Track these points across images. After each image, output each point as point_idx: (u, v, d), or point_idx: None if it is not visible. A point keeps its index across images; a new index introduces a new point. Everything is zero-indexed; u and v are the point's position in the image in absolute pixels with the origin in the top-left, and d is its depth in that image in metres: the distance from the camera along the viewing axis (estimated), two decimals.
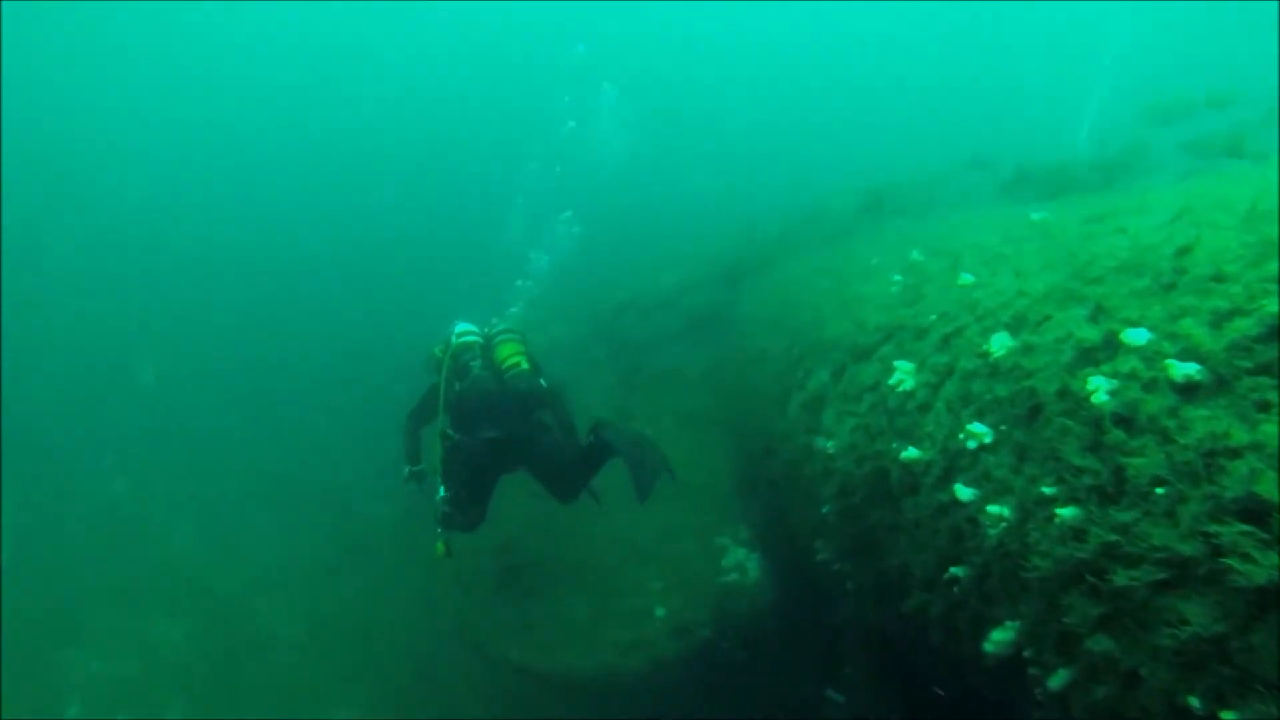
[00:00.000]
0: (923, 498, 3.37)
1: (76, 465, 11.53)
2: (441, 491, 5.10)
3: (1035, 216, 4.38)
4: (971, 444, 2.97)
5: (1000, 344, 3.05)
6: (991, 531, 2.64)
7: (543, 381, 5.54)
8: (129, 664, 7.74)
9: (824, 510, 4.78)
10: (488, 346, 5.69)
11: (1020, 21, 28.25)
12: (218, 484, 10.86)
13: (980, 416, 3.02)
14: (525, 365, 5.50)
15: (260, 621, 7.83)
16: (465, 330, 5.81)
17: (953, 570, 3.01)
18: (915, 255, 5.09)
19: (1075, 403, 2.50)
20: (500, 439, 5.15)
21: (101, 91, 26.21)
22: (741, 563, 6.32)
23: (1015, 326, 3.08)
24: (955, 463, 3.12)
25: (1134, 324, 2.53)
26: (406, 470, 5.62)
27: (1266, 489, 1.86)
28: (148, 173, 23.79)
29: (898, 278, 5.07)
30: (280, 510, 9.92)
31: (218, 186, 23.80)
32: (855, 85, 28.15)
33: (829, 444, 4.74)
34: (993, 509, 2.66)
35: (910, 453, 3.46)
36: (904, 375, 3.82)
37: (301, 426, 12.12)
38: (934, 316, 3.97)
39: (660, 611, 5.79)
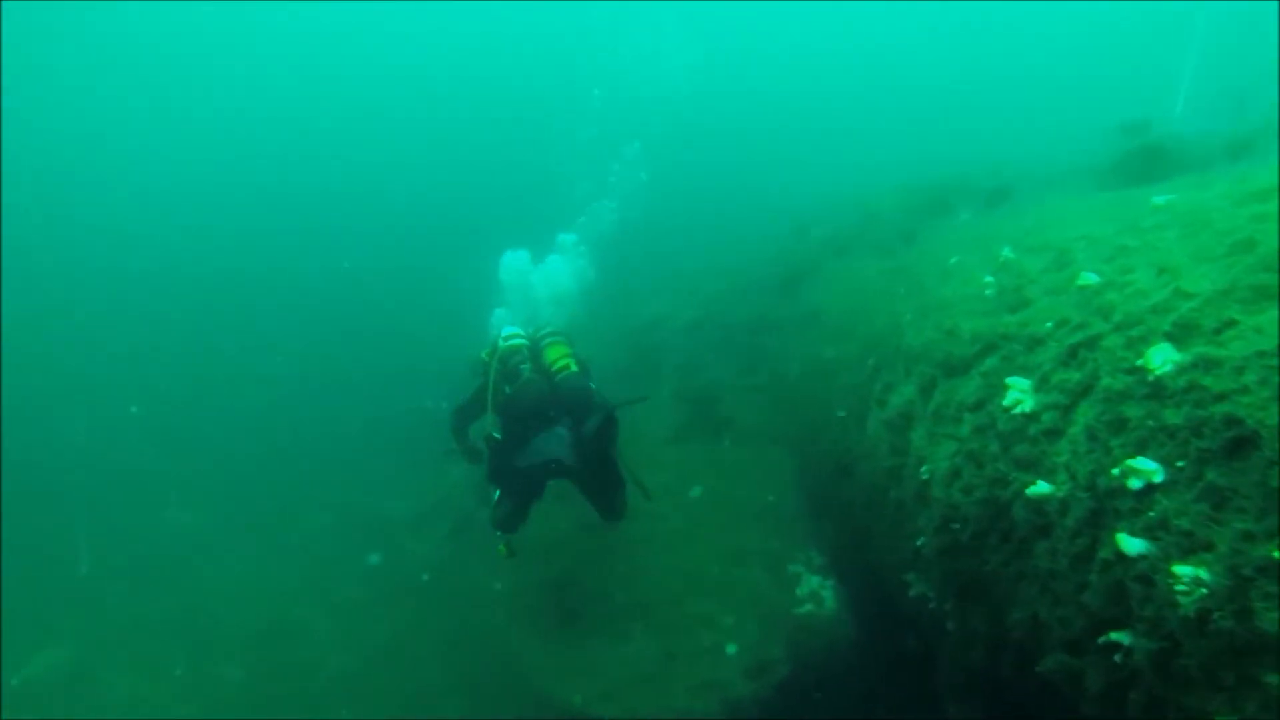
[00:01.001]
0: (1060, 543, 2.78)
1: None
2: (497, 494, 5.10)
3: (1159, 200, 3.73)
4: (1134, 483, 2.38)
5: (1163, 358, 2.45)
6: (1185, 600, 2.04)
7: (592, 384, 5.41)
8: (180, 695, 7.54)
9: (919, 543, 4.20)
10: (535, 349, 5.58)
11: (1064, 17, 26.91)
12: (262, 511, 10.65)
13: (1142, 449, 2.42)
14: (575, 367, 5.40)
15: (311, 652, 7.48)
16: (512, 334, 5.70)
17: (1114, 636, 2.42)
18: (1006, 253, 4.47)
19: None
20: (549, 460, 5.03)
21: (123, 91, 25.82)
22: (816, 592, 5.74)
23: (1181, 336, 2.48)
24: (1108, 504, 2.52)
25: None
26: (463, 446, 5.83)
27: None
28: (172, 178, 23.66)
29: (989, 279, 4.46)
30: (326, 539, 9.59)
31: (240, 193, 23.41)
32: (898, 84, 27.17)
33: (923, 469, 4.17)
34: (1183, 569, 2.07)
35: (1039, 488, 2.88)
36: (1020, 394, 3.23)
37: (342, 449, 11.82)
38: (1050, 324, 3.37)
39: (732, 648, 5.24)
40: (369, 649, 7.39)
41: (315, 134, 26.61)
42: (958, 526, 3.60)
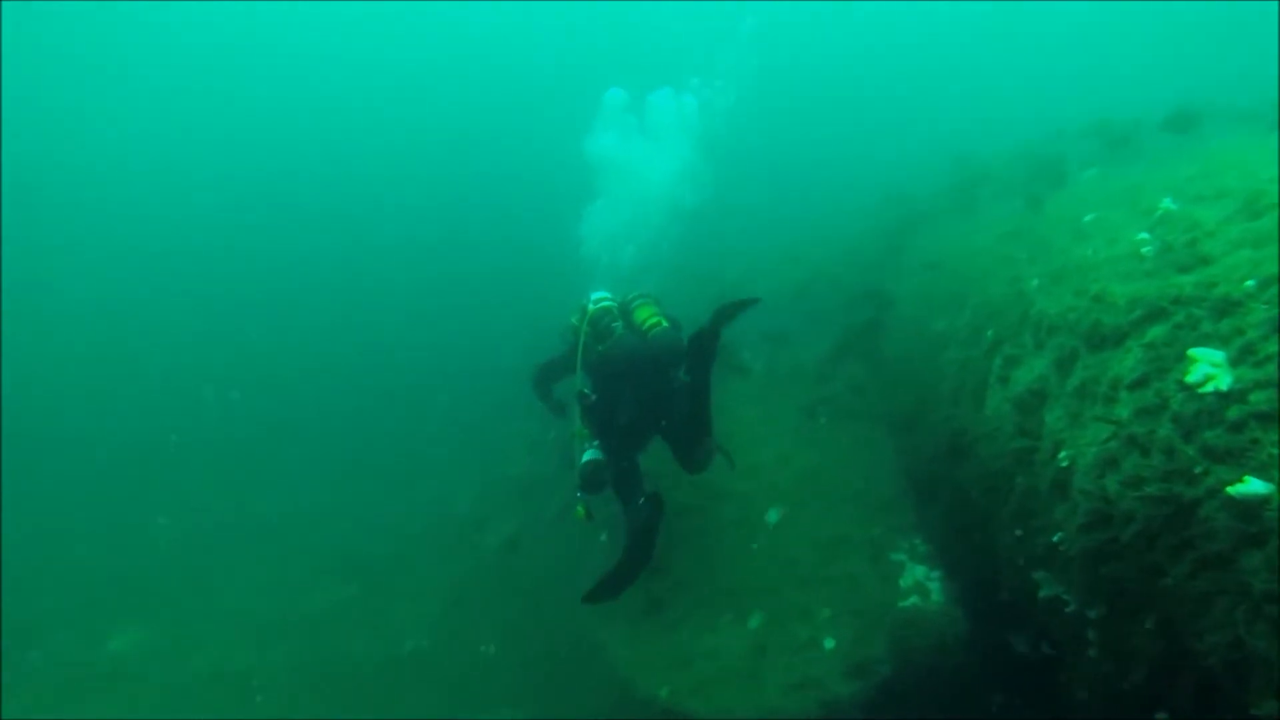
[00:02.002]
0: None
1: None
2: (586, 455, 5.02)
3: None
4: None
5: None
6: None
7: (685, 340, 5.27)
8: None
9: (1055, 538, 3.58)
10: (625, 310, 5.57)
11: None
12: (338, 497, 10.70)
13: None
14: (666, 324, 5.37)
15: (390, 634, 7.38)
16: (601, 297, 5.70)
17: None
18: (1167, 204, 3.72)
19: None
20: (639, 418, 5.07)
21: (149, 90, 25.98)
22: (921, 583, 5.14)
23: None
24: None
25: None
26: (549, 403, 5.97)
27: None
28: (200, 180, 23.91)
29: (1144, 235, 3.74)
30: (401, 525, 9.45)
31: (268, 192, 23.57)
32: (973, 52, 25.12)
33: (1061, 455, 3.53)
34: None
35: (1249, 487, 2.24)
36: (1211, 370, 2.57)
37: (398, 442, 11.74)
38: (1251, 283, 2.67)
39: (830, 643, 4.72)
40: (445, 633, 7.17)
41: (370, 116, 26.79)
42: (1116, 526, 2.97)
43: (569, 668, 5.44)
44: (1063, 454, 3.54)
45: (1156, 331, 3.07)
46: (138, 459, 12.11)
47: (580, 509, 4.90)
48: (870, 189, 12.05)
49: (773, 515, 5.43)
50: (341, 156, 25.03)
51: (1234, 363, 2.52)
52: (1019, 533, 4.09)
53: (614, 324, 5.43)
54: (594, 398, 5.13)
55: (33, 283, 18.14)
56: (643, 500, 5.06)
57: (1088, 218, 4.63)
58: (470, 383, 12.12)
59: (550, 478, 7.94)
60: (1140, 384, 3.03)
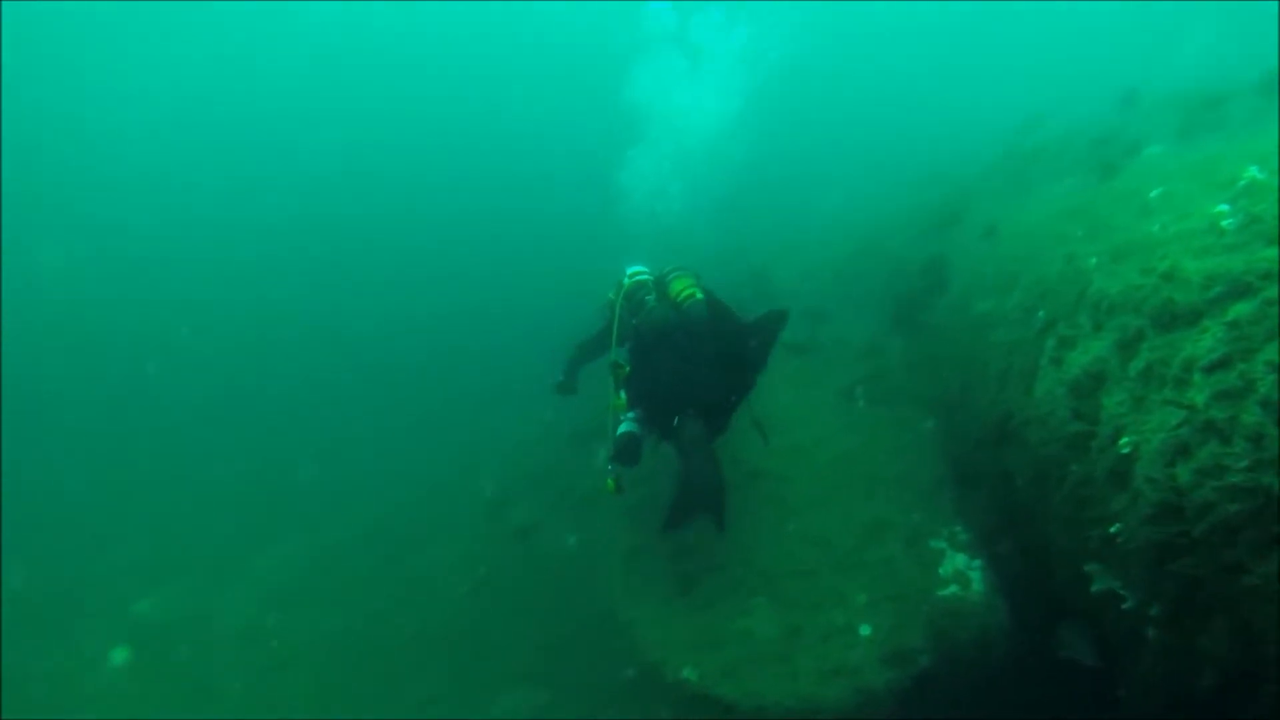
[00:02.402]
0: None
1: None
2: (622, 427, 4.96)
3: None
4: None
5: None
6: None
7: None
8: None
9: (1112, 530, 3.33)
10: (661, 283, 5.53)
11: None
12: (379, 468, 10.69)
13: None
14: (700, 295, 5.30)
15: (415, 609, 7.35)
16: (637, 271, 5.69)
17: None
18: (1252, 172, 3.40)
19: None
20: (672, 391, 4.94)
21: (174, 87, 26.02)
22: (962, 572, 4.90)
23: None
24: None
25: None
26: (559, 377, 5.79)
27: None
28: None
29: (1223, 207, 3.43)
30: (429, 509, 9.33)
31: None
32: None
33: (1123, 442, 3.27)
34: None
35: None
36: None
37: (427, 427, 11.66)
38: None
39: (866, 630, 4.52)
40: (469, 610, 7.06)
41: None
42: (1186, 520, 2.72)
43: (596, 648, 5.32)
44: (1124, 440, 3.29)
45: (1241, 309, 2.79)
46: (166, 425, 12.29)
47: (611, 481, 4.81)
48: (910, 167, 11.65)
49: (807, 496, 5.22)
50: (382, 128, 25.15)
51: None
52: (1069, 523, 3.85)
53: (647, 297, 5.41)
54: (628, 369, 5.08)
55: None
56: (677, 420, 4.92)
57: (1154, 192, 4.30)
58: (498, 363, 12.08)
59: (573, 460, 7.84)
60: (1220, 365, 2.76)
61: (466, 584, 7.34)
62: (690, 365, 5.06)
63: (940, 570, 4.88)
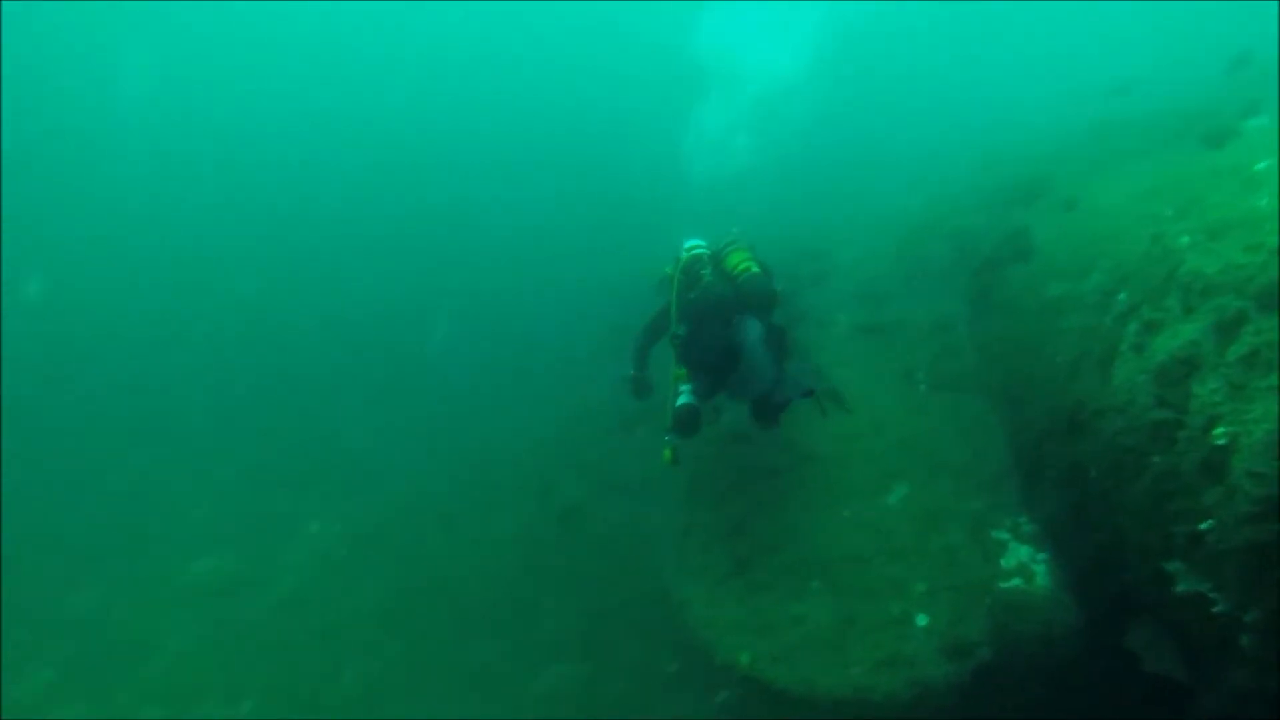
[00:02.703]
0: None
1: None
2: (681, 399, 4.91)
3: None
4: None
5: None
6: None
7: (776, 285, 5.30)
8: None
9: (1202, 526, 3.08)
10: (717, 257, 5.46)
11: None
12: (433, 433, 10.75)
13: None
14: (756, 269, 5.24)
15: (464, 581, 7.37)
16: (694, 245, 5.60)
17: None
18: None
19: None
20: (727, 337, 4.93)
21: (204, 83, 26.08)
22: (1026, 565, 4.66)
23: None
24: None
25: None
26: (631, 372, 5.67)
27: None
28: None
29: None
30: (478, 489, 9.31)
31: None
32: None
33: (1216, 432, 3.01)
34: None
35: None
36: None
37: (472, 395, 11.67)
38: None
39: (923, 620, 4.33)
40: (517, 584, 7.06)
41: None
42: None
43: (644, 626, 5.24)
44: (1219, 430, 3.04)
45: None
46: (224, 404, 12.54)
47: (668, 452, 4.80)
48: (971, 147, 11.16)
49: (865, 482, 5.03)
50: (437, 101, 25.33)
51: None
52: (1150, 518, 3.59)
53: (704, 271, 5.33)
54: (684, 335, 5.06)
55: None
56: (682, 416, 4.89)
57: (1260, 165, 3.96)
58: (549, 344, 12.05)
59: (622, 442, 7.76)
60: None
61: (513, 556, 7.31)
62: (739, 342, 4.96)
63: (1003, 562, 4.64)
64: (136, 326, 15.44)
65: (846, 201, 10.51)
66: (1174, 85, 7.60)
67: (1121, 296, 4.34)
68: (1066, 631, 4.29)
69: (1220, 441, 3.00)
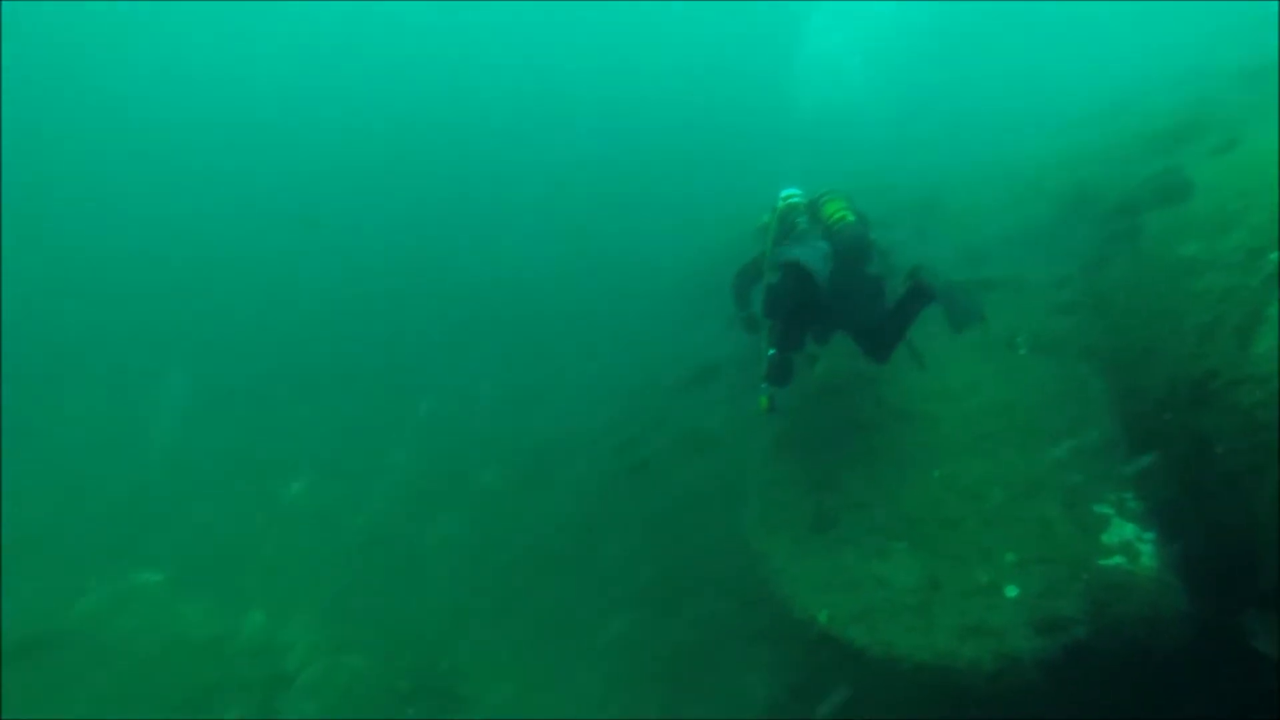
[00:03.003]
0: None
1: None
2: (773, 348, 4.91)
3: None
4: None
5: None
6: None
7: (872, 235, 5.17)
8: None
9: None
10: (814, 206, 5.37)
11: None
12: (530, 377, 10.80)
13: None
14: (852, 218, 5.12)
15: (539, 525, 7.40)
16: (790, 194, 5.57)
17: None
18: None
19: None
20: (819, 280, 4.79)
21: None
22: (1130, 543, 4.30)
23: None
24: None
25: None
26: (743, 314, 5.73)
27: None
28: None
29: None
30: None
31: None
32: None
33: None
34: None
35: None
36: None
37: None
38: None
39: (1012, 591, 4.08)
40: (591, 532, 7.05)
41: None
42: None
43: (718, 579, 5.14)
44: None
45: None
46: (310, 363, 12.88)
47: (764, 400, 4.80)
48: (1079, 103, 10.27)
49: (958, 444, 4.73)
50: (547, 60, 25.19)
51: None
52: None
53: (799, 219, 5.28)
54: (776, 283, 4.98)
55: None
56: (775, 365, 4.86)
57: None
58: (622, 304, 11.92)
59: (698, 398, 7.59)
60: None
61: (591, 504, 7.27)
62: (839, 291, 4.81)
63: (1104, 538, 4.31)
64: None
65: (959, 150, 9.88)
66: None
67: (1273, 256, 3.87)
68: (1175, 617, 3.95)
69: None
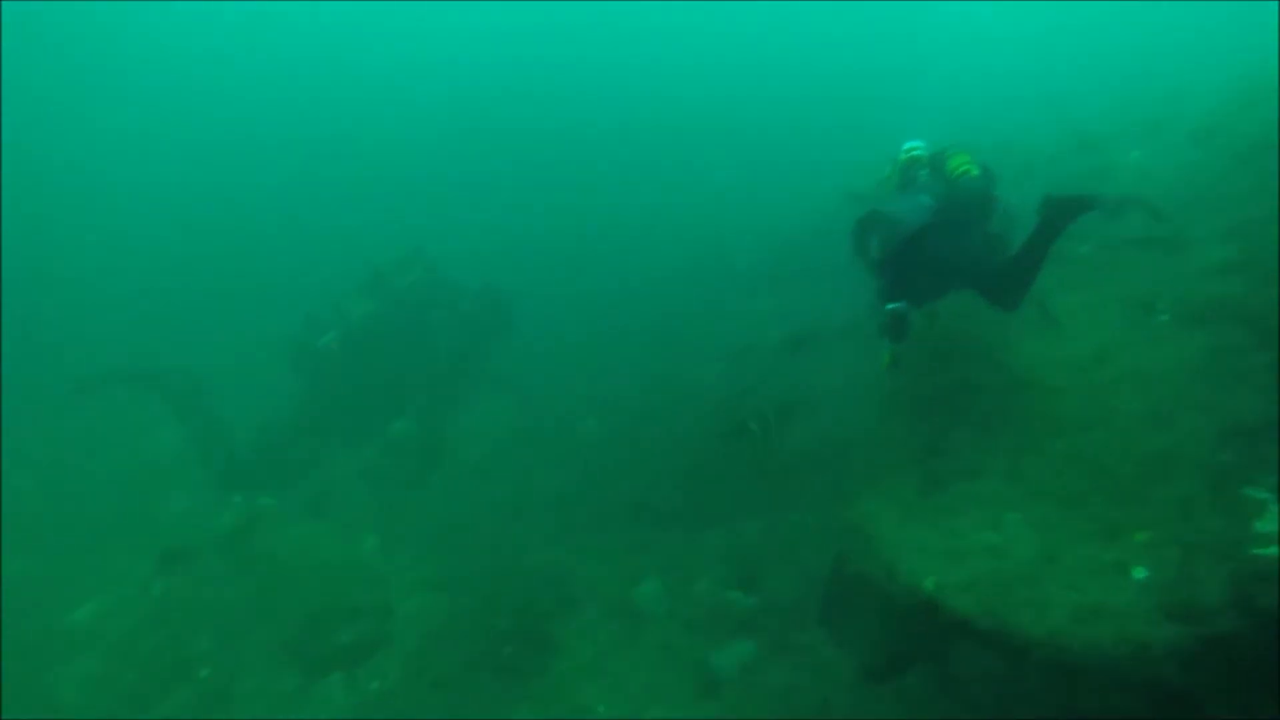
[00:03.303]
0: None
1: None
2: (891, 304, 4.80)
3: None
4: None
5: None
6: None
7: (996, 191, 5.12)
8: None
9: None
10: (937, 159, 5.28)
11: None
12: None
13: None
14: (975, 171, 5.04)
15: (632, 482, 7.41)
16: (913, 146, 5.50)
17: None
18: None
19: None
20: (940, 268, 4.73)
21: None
22: None
23: None
24: None
25: None
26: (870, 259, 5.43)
27: None
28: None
29: None
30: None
31: None
32: None
33: None
34: None
35: None
36: None
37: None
38: None
39: (1140, 573, 3.72)
40: (691, 493, 6.99)
41: None
42: None
43: (819, 539, 4.99)
44: None
45: None
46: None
47: (887, 356, 4.80)
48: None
49: (1083, 413, 4.33)
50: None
51: None
52: None
53: (920, 172, 5.20)
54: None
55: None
56: (890, 321, 4.74)
57: None
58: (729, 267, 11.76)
59: (802, 360, 7.37)
60: None
61: (690, 461, 7.17)
62: (957, 245, 4.71)
63: (1257, 525, 3.84)
64: None
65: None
66: None
67: None
68: None
69: None
